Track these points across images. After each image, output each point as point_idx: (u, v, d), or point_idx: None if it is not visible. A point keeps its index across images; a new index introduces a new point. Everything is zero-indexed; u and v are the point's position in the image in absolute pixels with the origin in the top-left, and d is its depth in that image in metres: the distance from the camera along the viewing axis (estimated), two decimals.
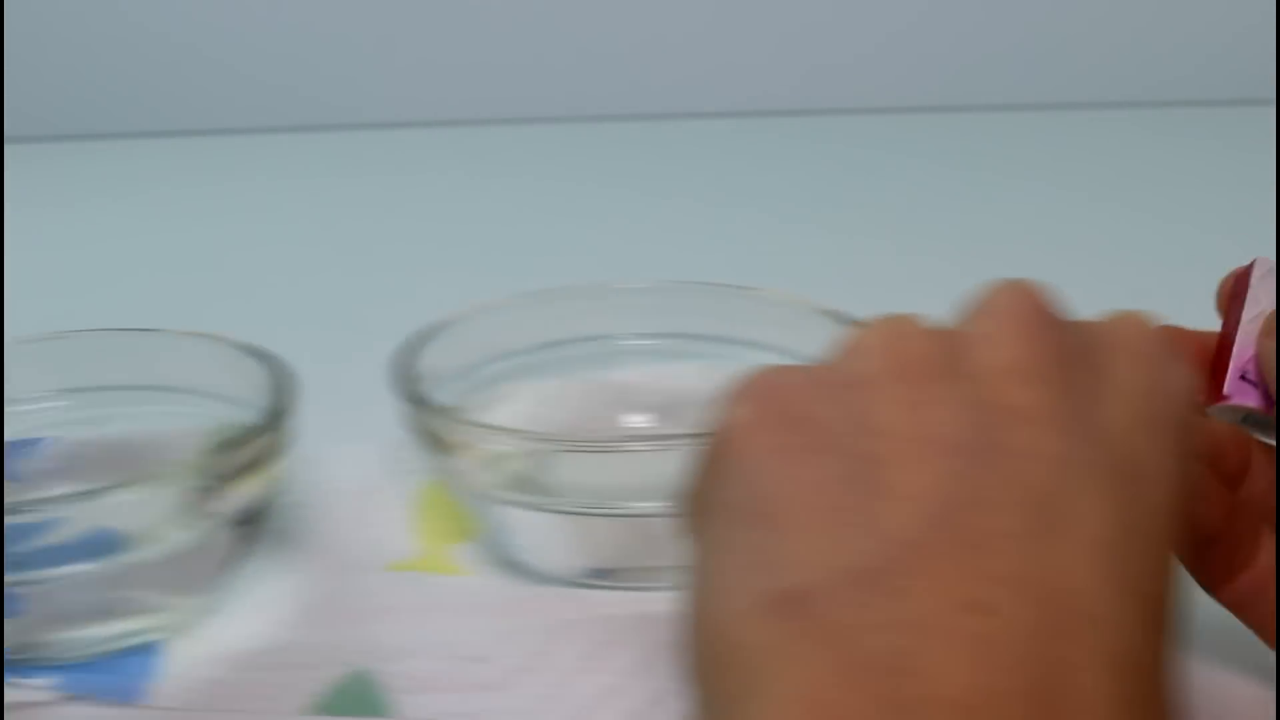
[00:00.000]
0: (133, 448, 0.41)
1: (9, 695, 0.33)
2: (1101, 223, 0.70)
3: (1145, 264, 0.64)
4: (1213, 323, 0.54)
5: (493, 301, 0.43)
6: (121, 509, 0.33)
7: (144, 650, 0.35)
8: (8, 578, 0.33)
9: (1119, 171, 0.79)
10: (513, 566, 0.38)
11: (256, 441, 0.35)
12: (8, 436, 0.41)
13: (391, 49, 0.91)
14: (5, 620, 0.34)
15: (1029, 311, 0.27)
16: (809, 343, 0.40)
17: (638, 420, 0.42)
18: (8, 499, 0.38)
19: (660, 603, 0.33)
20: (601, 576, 0.36)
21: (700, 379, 0.42)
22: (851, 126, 0.88)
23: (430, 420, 0.36)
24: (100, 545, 0.33)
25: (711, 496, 0.26)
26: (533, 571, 0.37)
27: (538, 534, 0.37)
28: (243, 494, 0.35)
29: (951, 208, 0.73)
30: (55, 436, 0.41)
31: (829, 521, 0.24)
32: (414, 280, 0.64)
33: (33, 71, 0.89)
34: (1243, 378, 0.32)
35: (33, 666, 0.34)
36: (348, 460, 0.43)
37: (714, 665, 0.23)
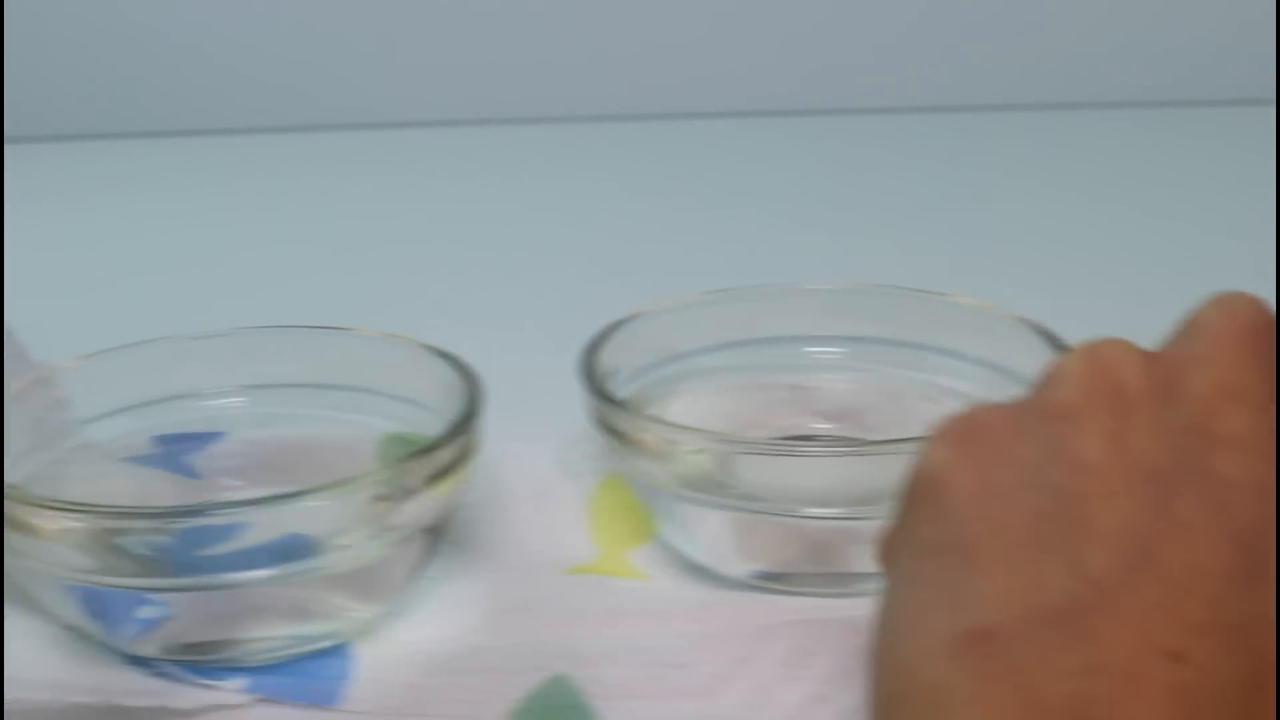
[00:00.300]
0: (312, 448, 0.40)
1: (205, 698, 0.33)
2: (1101, 223, 0.70)
3: (1145, 264, 0.64)
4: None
5: (678, 299, 0.42)
6: (312, 515, 0.32)
7: (337, 654, 0.34)
8: (194, 580, 0.32)
9: (1119, 171, 0.79)
10: (689, 568, 0.37)
11: (447, 449, 0.34)
12: (190, 428, 0.40)
13: (396, 49, 0.91)
14: (161, 625, 0.34)
15: (1244, 328, 0.25)
16: (999, 350, 0.40)
17: (819, 425, 0.42)
18: (192, 497, 0.39)
19: (857, 609, 0.33)
20: (776, 580, 0.36)
21: (884, 385, 0.42)
22: (852, 126, 0.88)
23: (613, 415, 0.36)
24: (289, 551, 0.32)
25: (909, 535, 0.25)
26: (707, 572, 0.37)
27: (714, 534, 0.36)
28: (432, 503, 0.34)
29: (951, 208, 0.73)
30: (228, 432, 0.40)
31: (1023, 559, 0.23)
32: (431, 278, 0.64)
33: (33, 71, 0.89)
34: None
35: (221, 668, 0.34)
36: (520, 460, 0.42)
37: (896, 702, 0.23)
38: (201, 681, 0.33)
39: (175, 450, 0.40)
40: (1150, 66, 0.90)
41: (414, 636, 0.35)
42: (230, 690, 0.33)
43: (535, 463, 0.42)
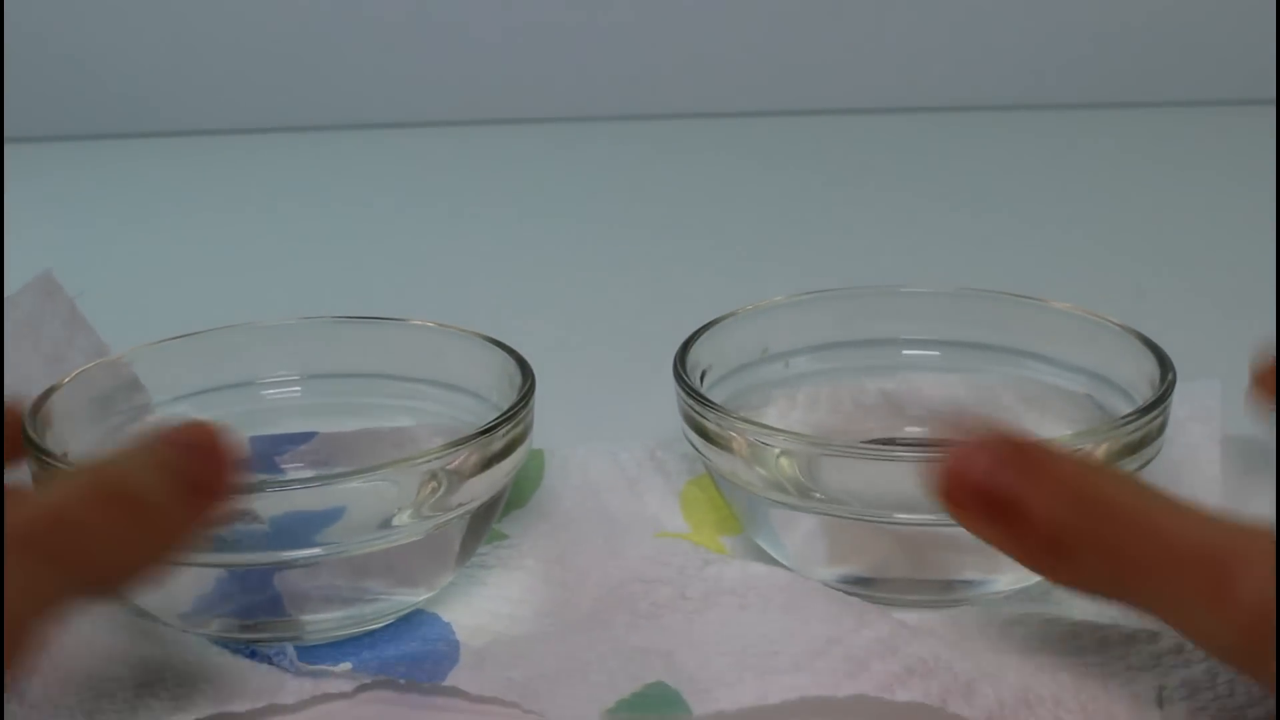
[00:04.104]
0: (381, 440, 0.41)
1: (311, 689, 0.32)
2: (1101, 223, 0.70)
3: (1146, 264, 0.64)
4: (1208, 322, 0.54)
5: (771, 301, 0.42)
6: (363, 495, 0.32)
7: (441, 637, 0.34)
8: (244, 556, 0.32)
9: (1119, 171, 0.79)
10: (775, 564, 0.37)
11: (493, 435, 0.34)
12: (264, 428, 0.41)
13: (396, 49, 0.91)
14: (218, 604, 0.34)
15: None
16: (1098, 357, 0.39)
17: (912, 429, 0.41)
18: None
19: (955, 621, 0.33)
20: (864, 585, 0.35)
21: (978, 390, 0.41)
22: (861, 126, 0.88)
23: (704, 416, 0.36)
24: (337, 528, 0.33)
25: None
26: (793, 573, 0.36)
27: (802, 537, 0.36)
28: (482, 487, 0.34)
29: (951, 207, 0.73)
30: (320, 431, 0.41)
31: None
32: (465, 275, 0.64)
33: (33, 71, 0.89)
34: None
35: (326, 651, 0.34)
36: (612, 455, 0.42)
37: None
38: (310, 667, 0.33)
39: (269, 452, 0.41)
40: (1150, 66, 0.90)
41: (516, 632, 0.35)
42: (339, 674, 0.33)
43: (627, 458, 0.42)
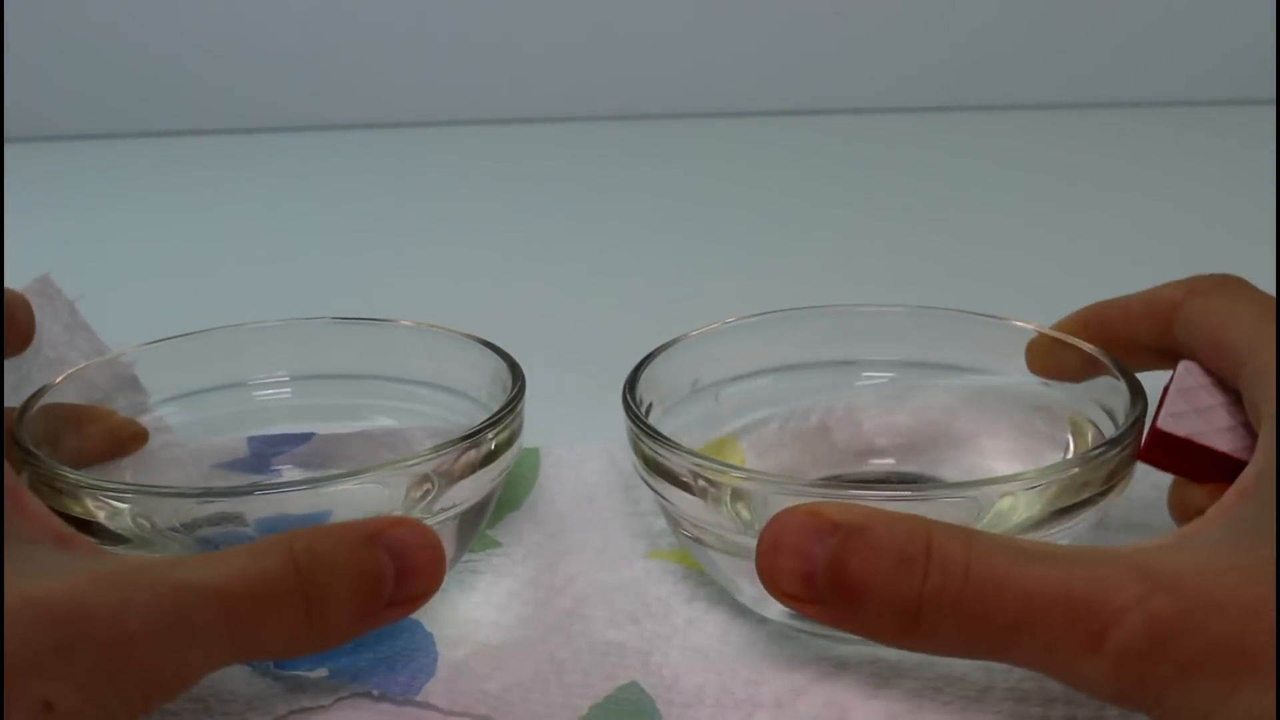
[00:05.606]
0: (376, 442, 0.40)
1: (288, 701, 0.32)
2: (1102, 222, 0.70)
3: (1146, 263, 0.64)
4: None
5: (728, 323, 0.40)
6: (353, 498, 0.32)
7: (420, 648, 0.34)
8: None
9: (1120, 171, 0.79)
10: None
11: (480, 439, 0.34)
12: (256, 430, 0.40)
13: (396, 49, 0.91)
14: None
15: None
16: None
17: (875, 461, 0.39)
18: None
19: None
20: (815, 625, 0.33)
21: (944, 416, 0.39)
22: (860, 126, 0.88)
23: (653, 450, 0.33)
24: None
25: None
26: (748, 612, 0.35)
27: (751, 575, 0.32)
28: (471, 489, 0.34)
29: (954, 207, 0.73)
30: (318, 432, 0.41)
31: None
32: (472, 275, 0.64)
33: (33, 71, 0.89)
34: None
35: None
36: (609, 456, 0.42)
37: None
38: (285, 672, 0.33)
39: (266, 453, 0.41)
40: (1150, 66, 0.90)
41: (497, 639, 0.34)
42: (314, 679, 0.33)
43: (623, 459, 0.42)
